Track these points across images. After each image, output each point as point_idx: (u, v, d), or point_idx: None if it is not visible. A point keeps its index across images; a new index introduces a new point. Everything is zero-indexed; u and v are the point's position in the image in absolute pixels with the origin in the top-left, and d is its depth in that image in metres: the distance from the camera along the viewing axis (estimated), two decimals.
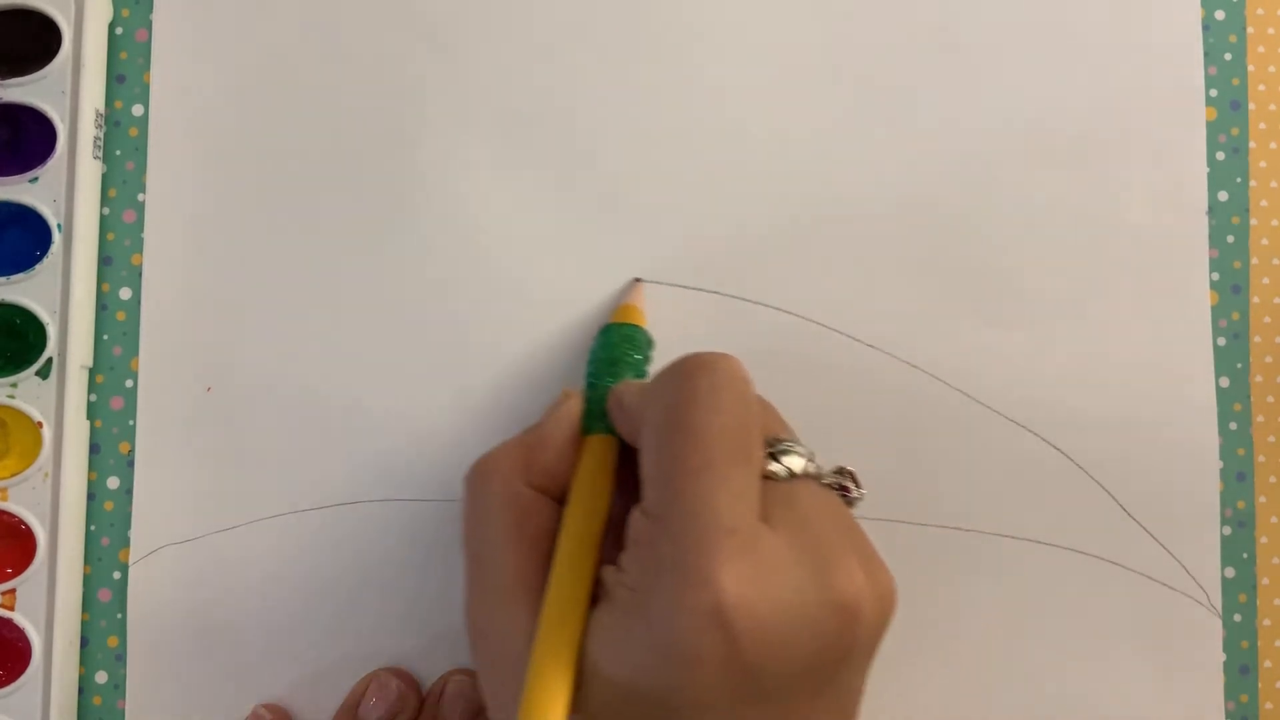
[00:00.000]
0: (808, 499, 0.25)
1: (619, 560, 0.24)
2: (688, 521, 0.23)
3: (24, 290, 0.31)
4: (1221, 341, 0.33)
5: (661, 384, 0.25)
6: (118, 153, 0.32)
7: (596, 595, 0.25)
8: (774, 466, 0.25)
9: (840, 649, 0.23)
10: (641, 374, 0.30)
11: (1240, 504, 0.33)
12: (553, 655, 0.24)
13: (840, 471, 0.27)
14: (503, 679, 0.25)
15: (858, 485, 0.27)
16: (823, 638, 0.23)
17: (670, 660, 0.22)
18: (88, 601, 0.31)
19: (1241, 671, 0.33)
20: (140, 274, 0.32)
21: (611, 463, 0.27)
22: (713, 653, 0.22)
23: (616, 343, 0.30)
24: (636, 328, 0.31)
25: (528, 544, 0.26)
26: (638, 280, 0.32)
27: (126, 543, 0.31)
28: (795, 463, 0.25)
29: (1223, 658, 0.33)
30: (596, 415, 0.28)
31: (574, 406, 0.29)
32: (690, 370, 0.25)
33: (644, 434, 0.25)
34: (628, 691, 0.23)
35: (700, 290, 0.32)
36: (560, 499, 0.27)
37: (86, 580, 0.31)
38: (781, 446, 0.25)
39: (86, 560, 0.31)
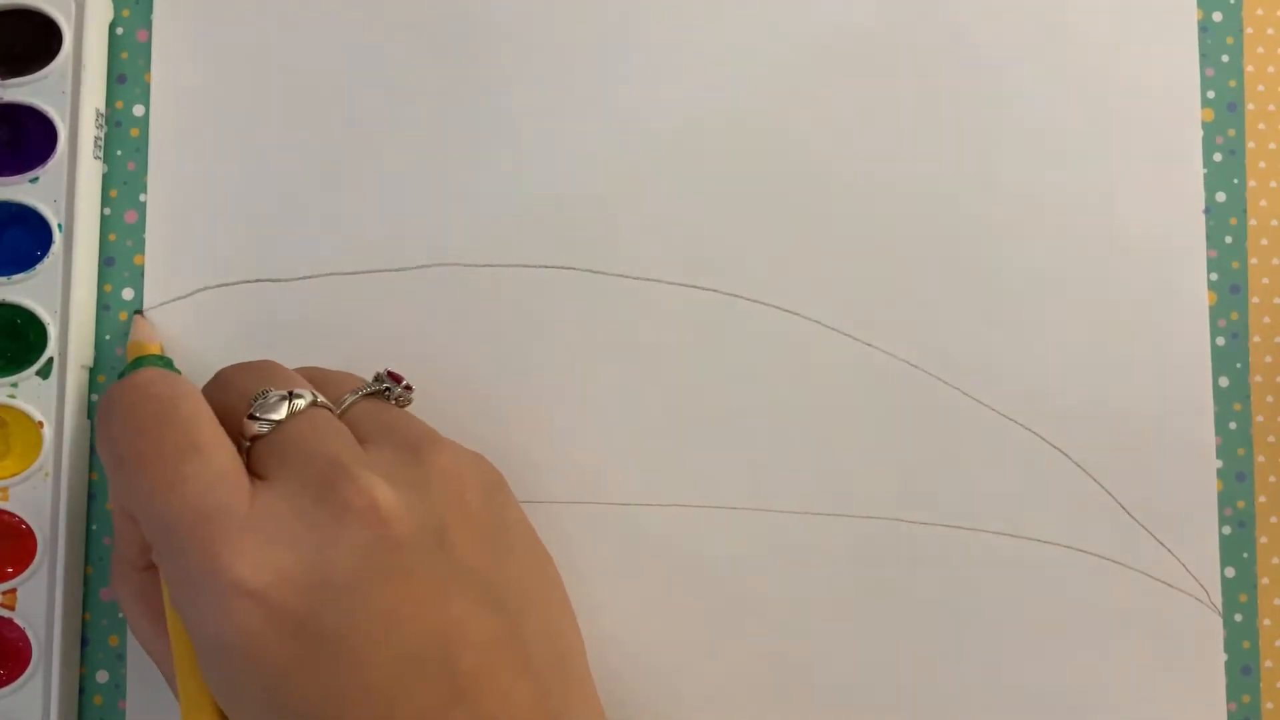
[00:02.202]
0: (302, 436, 0.25)
1: None
2: (167, 539, 0.24)
3: (24, 290, 0.31)
4: (1220, 341, 0.33)
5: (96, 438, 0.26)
6: (119, 153, 0.32)
7: None
8: (256, 428, 0.25)
9: (382, 547, 0.23)
10: None
11: (1240, 504, 0.33)
12: (189, 713, 0.24)
13: (378, 378, 0.28)
14: None
15: (398, 383, 0.28)
16: (360, 548, 0.23)
17: (230, 661, 0.23)
18: (88, 601, 0.31)
19: (1243, 672, 0.33)
20: (142, 274, 0.32)
21: None
22: (255, 626, 0.22)
23: None
24: (143, 362, 0.29)
25: (163, 619, 0.27)
26: (138, 313, 0.32)
27: None
28: (278, 412, 0.25)
29: (1224, 657, 0.33)
30: None
31: None
32: (100, 415, 0.26)
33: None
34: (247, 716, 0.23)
35: (700, 289, 0.33)
36: None
37: (86, 580, 0.31)
38: (260, 405, 0.25)
39: (87, 560, 0.31)
